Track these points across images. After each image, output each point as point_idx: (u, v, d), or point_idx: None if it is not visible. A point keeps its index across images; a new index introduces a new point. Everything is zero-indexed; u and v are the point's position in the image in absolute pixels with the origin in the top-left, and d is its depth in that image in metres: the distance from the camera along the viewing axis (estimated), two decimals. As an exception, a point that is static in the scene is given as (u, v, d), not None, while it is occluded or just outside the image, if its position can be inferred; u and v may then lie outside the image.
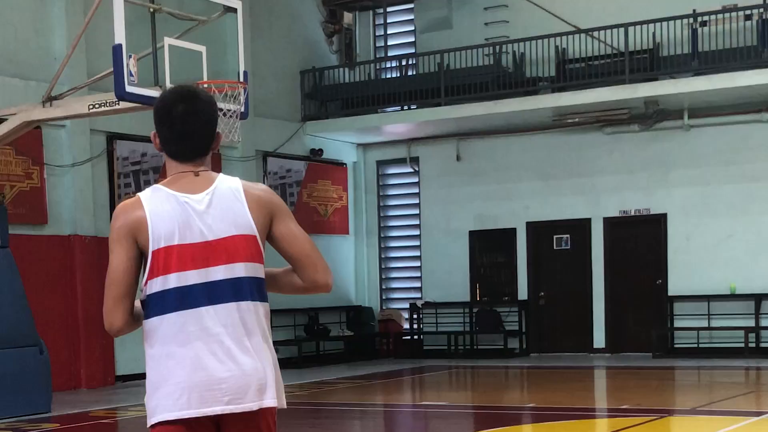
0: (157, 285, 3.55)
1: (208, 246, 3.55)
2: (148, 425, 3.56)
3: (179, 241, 3.54)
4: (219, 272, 3.55)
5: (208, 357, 3.51)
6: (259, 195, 3.65)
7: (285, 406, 3.61)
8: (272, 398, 3.60)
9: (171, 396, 3.51)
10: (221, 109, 10.86)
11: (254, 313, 3.59)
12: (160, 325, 3.54)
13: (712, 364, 16.99)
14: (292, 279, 3.74)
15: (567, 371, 16.90)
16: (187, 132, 3.64)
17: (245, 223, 3.59)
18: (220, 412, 3.52)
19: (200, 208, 3.58)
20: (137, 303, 3.64)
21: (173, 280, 3.53)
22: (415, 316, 20.73)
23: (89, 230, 15.74)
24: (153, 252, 3.55)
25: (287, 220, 3.69)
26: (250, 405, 3.54)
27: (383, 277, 21.87)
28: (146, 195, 3.63)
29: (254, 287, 3.60)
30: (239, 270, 3.56)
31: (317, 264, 3.69)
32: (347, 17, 21.29)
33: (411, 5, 21.23)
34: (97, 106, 11.17)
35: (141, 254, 3.59)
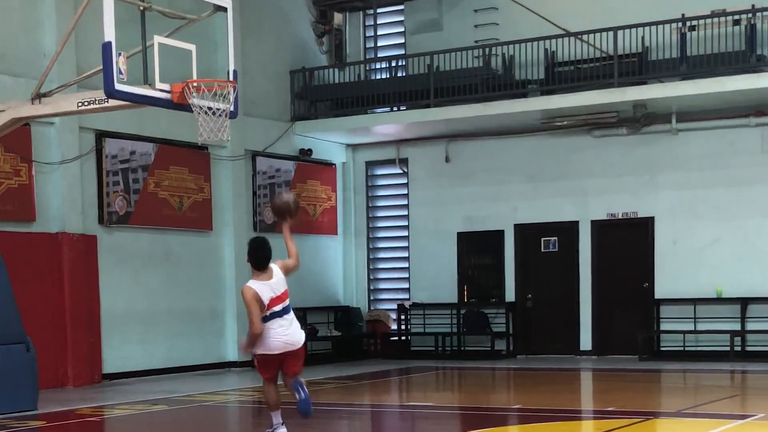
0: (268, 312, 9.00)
1: (277, 297, 9.03)
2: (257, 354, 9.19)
3: (268, 298, 8.98)
4: (283, 305, 9.08)
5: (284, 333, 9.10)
6: (279, 265, 9.20)
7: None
8: (302, 342, 9.22)
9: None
10: (210, 108, 10.86)
11: (293, 317, 9.19)
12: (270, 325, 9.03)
13: (698, 367, 17.06)
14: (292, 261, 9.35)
15: (553, 373, 16.94)
16: (261, 261, 9.07)
17: (284, 285, 9.10)
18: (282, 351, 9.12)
19: (272, 284, 9.02)
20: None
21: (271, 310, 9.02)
22: (402, 317, 20.75)
23: (77, 228, 15.71)
24: (267, 303, 8.96)
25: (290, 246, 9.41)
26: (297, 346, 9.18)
27: (371, 277, 21.89)
28: (254, 282, 8.96)
29: (290, 308, 9.18)
30: (288, 302, 9.12)
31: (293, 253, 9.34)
32: (337, 18, 21.31)
33: (401, 6, 21.25)
34: (86, 103, 11.15)
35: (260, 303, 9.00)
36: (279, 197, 9.59)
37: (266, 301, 8.92)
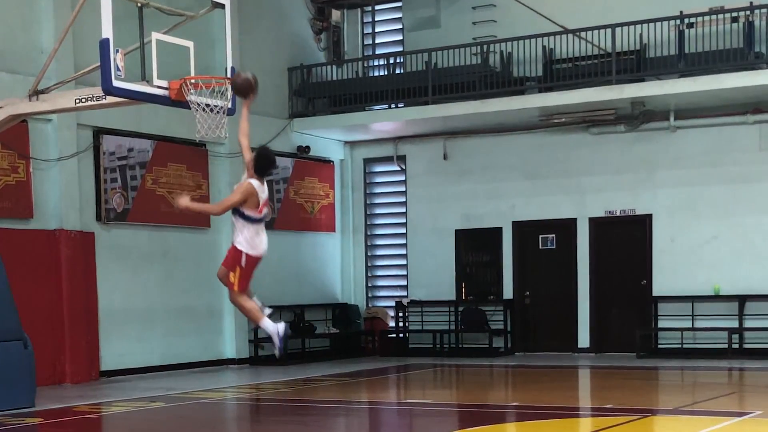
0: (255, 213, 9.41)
1: (264, 203, 9.40)
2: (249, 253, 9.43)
3: (261, 201, 9.37)
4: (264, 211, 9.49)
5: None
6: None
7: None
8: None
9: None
10: (208, 105, 10.84)
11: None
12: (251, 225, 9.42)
13: (696, 364, 17.07)
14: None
15: (551, 370, 16.95)
16: (265, 171, 9.47)
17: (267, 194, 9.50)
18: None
19: (263, 190, 9.36)
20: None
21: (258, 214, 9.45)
22: (400, 314, 20.74)
23: (75, 225, 15.70)
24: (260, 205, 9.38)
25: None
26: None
27: (369, 274, 21.88)
28: (254, 181, 9.31)
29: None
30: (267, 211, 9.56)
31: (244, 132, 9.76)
32: (335, 15, 21.29)
33: (399, 3, 21.24)
34: (83, 100, 11.13)
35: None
36: (238, 75, 9.66)
37: (260, 203, 9.42)
